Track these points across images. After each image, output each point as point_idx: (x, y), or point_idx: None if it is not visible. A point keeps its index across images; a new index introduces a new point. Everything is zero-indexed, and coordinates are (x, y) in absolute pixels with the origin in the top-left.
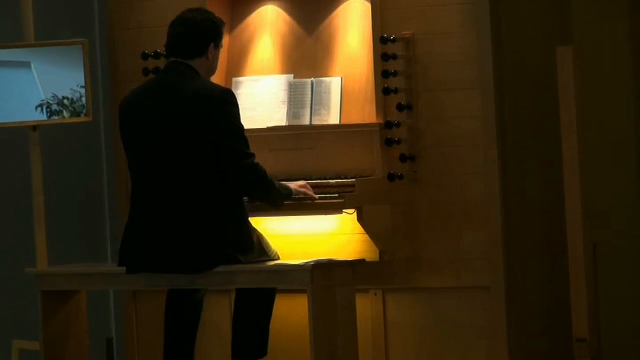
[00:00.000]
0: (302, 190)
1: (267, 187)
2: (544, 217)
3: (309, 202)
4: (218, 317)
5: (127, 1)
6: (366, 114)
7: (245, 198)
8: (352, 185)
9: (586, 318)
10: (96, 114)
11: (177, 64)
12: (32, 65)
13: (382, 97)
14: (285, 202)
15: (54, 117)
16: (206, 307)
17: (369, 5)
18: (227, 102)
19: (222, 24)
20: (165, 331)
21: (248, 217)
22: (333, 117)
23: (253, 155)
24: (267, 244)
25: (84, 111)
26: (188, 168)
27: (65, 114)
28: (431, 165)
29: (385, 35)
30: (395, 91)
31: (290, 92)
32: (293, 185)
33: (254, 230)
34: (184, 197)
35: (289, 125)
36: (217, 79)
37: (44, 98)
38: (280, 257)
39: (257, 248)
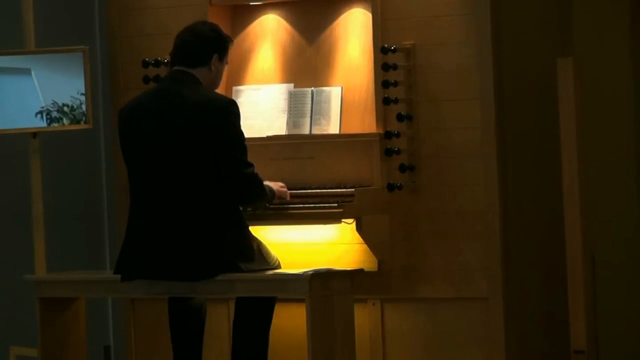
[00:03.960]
0: (282, 190)
1: (263, 196)
2: (543, 228)
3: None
4: (217, 325)
5: (127, 9)
6: (366, 123)
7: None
8: (351, 195)
9: (584, 329)
10: (96, 121)
11: (180, 72)
12: (33, 72)
13: (382, 107)
14: (272, 207)
15: (54, 124)
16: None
17: (369, 15)
18: (231, 113)
19: (229, 40)
20: (172, 338)
21: (247, 224)
22: (333, 127)
23: (253, 165)
24: (267, 252)
25: (84, 118)
26: (188, 176)
27: (65, 121)
28: (430, 176)
29: (386, 45)
30: (395, 101)
31: (290, 101)
32: (274, 185)
33: (254, 237)
34: (184, 204)
35: (288, 134)
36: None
37: (43, 105)
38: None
39: (257, 255)
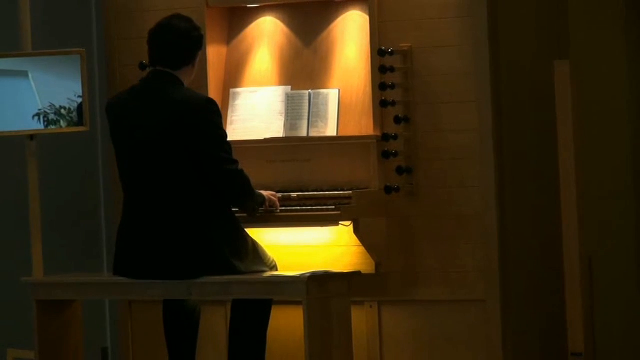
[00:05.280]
0: (273, 198)
1: (250, 194)
2: (540, 230)
3: (276, 212)
4: (214, 327)
5: (124, 11)
6: (363, 126)
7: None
8: (349, 197)
9: (582, 332)
10: (93, 124)
11: (162, 73)
12: (30, 75)
13: (379, 109)
14: (260, 210)
15: (51, 126)
16: (202, 317)
17: (367, 18)
18: (210, 111)
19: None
20: (166, 339)
21: (240, 222)
22: (330, 129)
23: (237, 162)
24: (263, 251)
25: (81, 121)
26: (176, 175)
27: (62, 123)
28: (428, 178)
29: (383, 48)
30: (393, 103)
31: (288, 103)
32: (266, 193)
33: (248, 236)
34: (176, 202)
35: (286, 137)
36: (214, 90)
37: (41, 107)
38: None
39: (252, 254)
